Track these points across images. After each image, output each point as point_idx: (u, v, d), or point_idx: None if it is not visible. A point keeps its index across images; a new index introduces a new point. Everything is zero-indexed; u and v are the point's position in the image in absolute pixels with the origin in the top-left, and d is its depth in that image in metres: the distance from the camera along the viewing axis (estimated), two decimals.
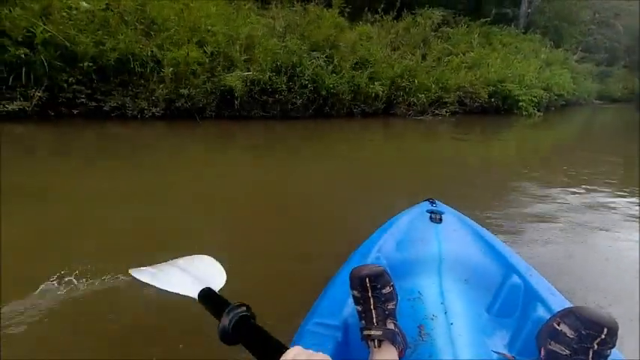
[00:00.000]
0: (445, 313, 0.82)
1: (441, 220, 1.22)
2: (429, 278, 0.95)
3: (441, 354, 0.72)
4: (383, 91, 6.93)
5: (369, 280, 0.73)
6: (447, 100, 8.07)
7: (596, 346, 0.55)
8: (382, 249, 1.06)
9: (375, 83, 6.82)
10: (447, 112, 7.98)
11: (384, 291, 0.74)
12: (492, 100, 8.84)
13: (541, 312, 0.82)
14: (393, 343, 0.70)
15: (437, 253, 1.03)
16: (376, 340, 0.69)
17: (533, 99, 9.28)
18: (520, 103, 9.06)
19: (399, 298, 0.82)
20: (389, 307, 0.74)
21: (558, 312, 0.65)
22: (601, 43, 22.16)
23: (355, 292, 0.75)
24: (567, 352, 0.57)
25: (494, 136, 6.85)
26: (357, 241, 1.22)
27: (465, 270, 0.99)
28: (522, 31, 14.50)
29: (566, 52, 15.23)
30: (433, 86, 7.78)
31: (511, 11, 15.57)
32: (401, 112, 7.48)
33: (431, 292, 0.90)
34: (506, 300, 0.91)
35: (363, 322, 0.74)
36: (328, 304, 0.87)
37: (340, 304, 0.84)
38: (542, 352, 0.63)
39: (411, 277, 0.97)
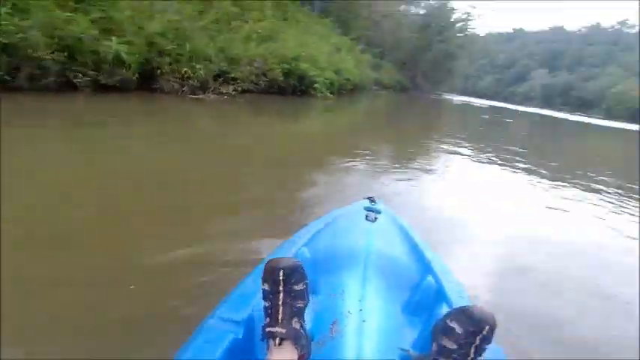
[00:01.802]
0: (360, 310, 0.84)
1: (375, 219, 1.22)
2: (353, 275, 0.95)
3: (345, 351, 0.73)
4: (133, 54, 4.63)
5: (282, 274, 0.67)
6: (236, 75, 6.61)
7: (477, 342, 0.61)
8: (311, 243, 1.06)
9: (113, 39, 4.41)
10: (235, 90, 6.53)
11: (296, 287, 0.68)
12: (289, 79, 8.13)
13: (445, 311, 0.81)
14: (295, 343, 0.66)
15: (365, 252, 1.03)
16: (278, 339, 0.66)
17: (326, 81, 9.27)
18: (316, 85, 8.83)
19: (319, 293, 0.89)
20: (298, 305, 0.69)
21: (453, 310, 0.68)
22: (374, 39, 27.03)
23: (265, 286, 0.69)
24: (455, 346, 0.63)
25: (297, 120, 6.01)
26: None
27: (389, 270, 1.01)
28: (317, 14, 15.02)
29: (352, 41, 17.02)
30: (213, 56, 6.08)
31: None
32: (169, 87, 5.42)
33: (352, 289, 0.90)
34: (420, 300, 0.95)
35: (268, 318, 0.69)
36: (237, 299, 0.83)
37: (249, 299, 0.80)
38: (434, 346, 0.68)
39: (337, 273, 0.97)
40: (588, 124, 22.62)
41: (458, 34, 30.89)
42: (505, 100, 60.85)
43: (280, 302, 0.67)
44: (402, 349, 0.77)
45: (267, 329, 0.66)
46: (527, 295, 1.72)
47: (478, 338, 0.61)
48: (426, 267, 1.03)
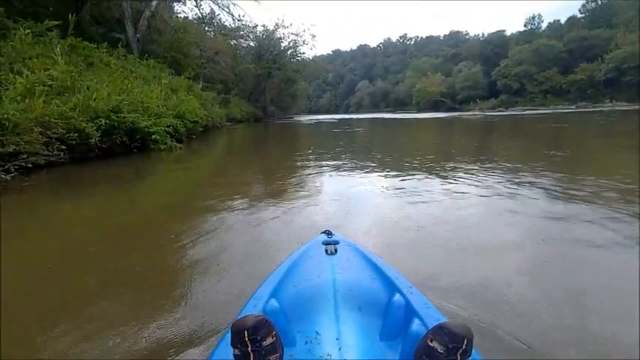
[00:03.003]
0: (339, 349, 0.83)
1: (335, 251, 1.22)
2: (326, 315, 0.95)
3: None
4: None
5: (247, 334, 0.67)
6: (13, 147, 4.47)
7: (459, 357, 0.63)
8: (277, 292, 1.00)
9: None
10: (17, 169, 4.39)
11: (264, 343, 0.68)
12: (115, 137, 6.26)
13: (419, 328, 0.84)
14: None
15: (332, 286, 1.02)
16: None
17: (167, 129, 7.74)
18: (154, 136, 7.19)
19: (295, 342, 0.87)
20: None
21: (430, 329, 0.69)
22: (215, 75, 26.33)
23: (236, 350, 0.68)
24: None
25: (128, 191, 4.32)
26: None
27: (358, 298, 1.00)
28: (137, 57, 13.07)
29: (188, 80, 15.65)
30: None
31: (123, 37, 13.78)
32: None
33: (327, 329, 0.90)
34: (392, 321, 0.93)
35: None
36: None
37: None
38: None
39: (309, 316, 0.95)
40: (411, 118, 27.93)
41: (292, 60, 33.50)
42: (344, 112, 70.72)
43: None
44: None
45: None
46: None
47: (459, 354, 0.63)
48: (391, 286, 1.02)
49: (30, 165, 4.63)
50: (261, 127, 20.90)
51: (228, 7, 22.14)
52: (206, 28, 28.10)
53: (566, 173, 4.19)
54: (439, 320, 0.77)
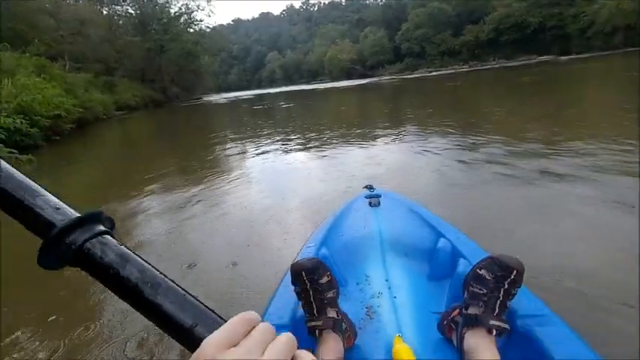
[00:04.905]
0: (389, 288, 0.89)
1: (379, 203, 1.29)
2: (373, 260, 1.01)
3: (386, 328, 0.78)
4: None
5: (305, 274, 0.74)
6: None
7: (506, 285, 0.66)
8: (327, 240, 1.08)
9: None
10: None
11: (321, 281, 0.74)
12: None
13: (466, 267, 0.84)
14: (335, 330, 0.71)
15: (378, 235, 1.09)
16: (317, 330, 0.70)
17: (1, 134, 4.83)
18: None
19: (347, 284, 0.94)
20: (328, 297, 0.74)
21: (481, 260, 0.72)
22: (88, 53, 20.76)
23: (296, 288, 0.76)
24: (485, 290, 0.67)
25: None
26: None
27: (404, 245, 1.06)
28: None
29: (42, 58, 11.38)
30: None
31: None
32: None
33: (376, 272, 0.96)
34: (439, 263, 0.96)
35: (307, 315, 0.75)
36: (276, 305, 0.86)
37: (288, 303, 0.84)
38: (466, 294, 0.71)
39: (358, 262, 1.02)
40: (325, 88, 27.02)
41: (188, 30, 28.67)
42: (257, 87, 66.41)
43: (312, 298, 0.73)
44: (436, 313, 0.81)
45: (308, 324, 0.72)
46: None
47: (507, 282, 0.66)
48: (436, 232, 1.06)
49: None
50: (163, 115, 17.27)
51: None
52: None
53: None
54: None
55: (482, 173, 2.67)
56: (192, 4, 27.58)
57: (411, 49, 45.79)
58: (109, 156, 6.47)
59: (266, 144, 5.20)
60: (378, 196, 1.33)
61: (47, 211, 0.23)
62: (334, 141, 4.71)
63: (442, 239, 1.00)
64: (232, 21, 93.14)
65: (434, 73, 30.20)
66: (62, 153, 6.52)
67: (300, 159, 4.03)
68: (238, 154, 4.83)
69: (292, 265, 0.76)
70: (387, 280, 0.91)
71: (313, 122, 7.46)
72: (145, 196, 3.12)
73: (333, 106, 12.39)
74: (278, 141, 5.36)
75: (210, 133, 8.11)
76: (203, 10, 28.29)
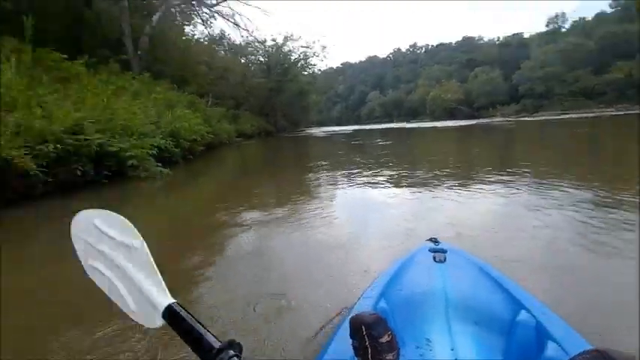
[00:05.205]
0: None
1: (444, 259, 1.17)
2: (436, 323, 0.91)
3: None
4: None
5: (365, 329, 0.69)
6: None
7: None
8: (386, 293, 1.01)
9: None
10: None
11: (381, 340, 0.69)
12: (75, 166, 4.72)
13: (556, 353, 0.73)
14: None
15: (443, 295, 0.98)
16: None
17: (151, 151, 6.19)
18: (130, 162, 5.63)
19: (405, 346, 0.84)
20: (387, 359, 0.69)
21: (583, 352, 0.57)
22: (225, 91, 25.42)
23: (354, 342, 0.71)
24: None
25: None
26: None
27: (474, 311, 0.93)
28: (136, 74, 11.88)
29: (194, 95, 14.42)
30: None
31: (126, 56, 12.80)
32: None
33: (440, 338, 0.87)
34: (519, 342, 0.83)
35: None
36: (332, 354, 0.82)
37: (344, 351, 0.77)
38: None
39: (418, 322, 0.93)
40: (425, 127, 26.09)
41: (303, 72, 32.37)
42: (356, 123, 69.12)
43: (369, 356, 0.67)
44: None
45: None
46: None
47: None
48: (515, 302, 0.91)
49: None
50: (271, 142, 19.49)
51: (233, 17, 21.00)
52: (216, 47, 27.61)
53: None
54: (583, 347, 0.59)
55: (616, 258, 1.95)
56: (309, 52, 31.16)
57: (532, 89, 41.13)
58: (225, 174, 7.59)
59: (356, 177, 5.22)
60: (444, 251, 1.21)
61: (207, 338, 0.41)
62: (429, 184, 4.39)
63: (523, 312, 0.87)
64: (341, 64, 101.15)
65: (562, 116, 26.17)
66: (191, 169, 7.89)
67: (386, 197, 3.86)
68: (330, 183, 5.00)
69: (352, 318, 0.71)
70: (452, 350, 0.82)
71: (408, 162, 7.12)
72: (243, 211, 3.50)
73: (432, 146, 11.82)
74: (368, 176, 5.29)
75: (307, 161, 8.80)
76: (317, 56, 31.50)
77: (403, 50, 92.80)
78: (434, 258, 1.17)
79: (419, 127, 26.15)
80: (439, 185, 4.26)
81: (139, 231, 0.53)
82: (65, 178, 4.63)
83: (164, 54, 16.61)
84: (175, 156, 7.66)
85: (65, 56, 6.99)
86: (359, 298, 1.03)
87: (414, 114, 61.50)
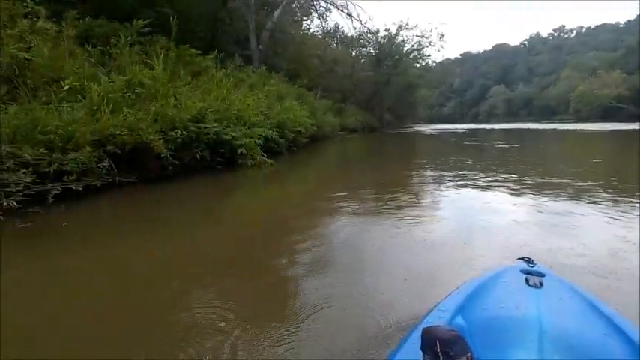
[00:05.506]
0: None
1: (540, 284, 1.02)
2: (526, 354, 0.77)
3: None
4: None
5: (440, 345, 0.61)
6: (57, 164, 3.58)
7: None
8: (465, 309, 0.91)
9: None
10: (58, 193, 3.41)
11: None
12: (195, 149, 5.20)
13: None
14: None
15: (537, 325, 0.84)
16: None
17: (258, 141, 6.42)
18: (240, 150, 5.94)
19: None
20: None
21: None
22: (333, 84, 25.94)
23: (425, 356, 0.64)
24: None
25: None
26: None
27: (577, 351, 0.78)
28: (255, 67, 12.96)
29: (303, 88, 14.99)
30: None
31: (249, 51, 14.28)
32: None
33: None
34: None
35: None
36: None
37: None
38: None
39: (502, 348, 0.80)
40: (574, 129, 21.19)
41: (414, 65, 30.34)
42: (471, 121, 61.39)
43: None
44: None
45: None
46: None
47: None
48: (627, 343, 0.77)
49: (80, 188, 3.72)
50: (375, 138, 18.93)
51: (347, 7, 20.83)
52: (329, 41, 28.32)
53: None
54: None
55: None
56: (424, 41, 28.82)
57: None
58: (325, 166, 7.58)
59: (466, 180, 4.71)
60: (541, 274, 1.03)
61: None
62: (564, 196, 3.63)
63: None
64: (460, 55, 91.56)
65: None
66: (294, 161, 8.02)
67: (501, 205, 3.39)
68: (433, 183, 4.69)
69: (424, 330, 0.64)
70: None
71: (539, 171, 5.55)
72: (339, 201, 3.61)
73: (576, 154, 9.25)
74: (481, 179, 4.71)
75: (412, 159, 8.26)
76: (434, 45, 28.74)
77: (544, 35, 77.80)
78: (526, 280, 1.04)
79: (557, 129, 21.51)
80: (579, 201, 3.44)
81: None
82: (189, 162, 5.14)
83: (281, 48, 17.74)
84: (280, 147, 7.88)
85: (199, 52, 7.87)
86: (432, 309, 0.95)
87: (548, 113, 51.25)
